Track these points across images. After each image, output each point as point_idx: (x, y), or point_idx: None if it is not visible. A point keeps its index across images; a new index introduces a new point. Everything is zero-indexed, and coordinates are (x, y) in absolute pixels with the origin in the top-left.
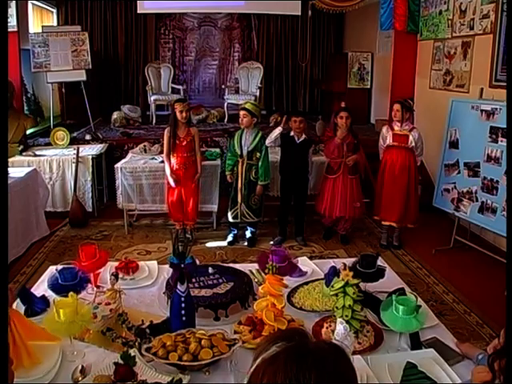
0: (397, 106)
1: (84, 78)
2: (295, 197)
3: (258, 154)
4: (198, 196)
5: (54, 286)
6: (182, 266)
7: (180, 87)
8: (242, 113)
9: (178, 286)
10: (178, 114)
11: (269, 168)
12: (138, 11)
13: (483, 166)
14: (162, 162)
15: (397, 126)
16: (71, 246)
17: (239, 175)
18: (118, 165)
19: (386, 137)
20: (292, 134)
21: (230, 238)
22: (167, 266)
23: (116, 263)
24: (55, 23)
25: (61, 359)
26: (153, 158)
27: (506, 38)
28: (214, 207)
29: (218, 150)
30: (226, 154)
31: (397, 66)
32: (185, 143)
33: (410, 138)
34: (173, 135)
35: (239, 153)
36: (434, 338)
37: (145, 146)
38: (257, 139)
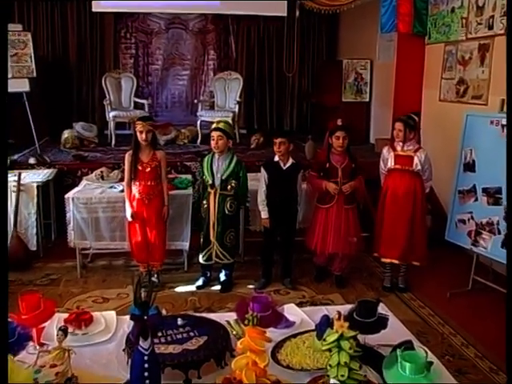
0: (399, 125)
1: (27, 88)
2: (282, 232)
3: (234, 183)
4: (165, 232)
5: None
6: (145, 317)
7: (144, 102)
8: (216, 134)
9: (141, 342)
10: (138, 135)
11: (247, 194)
12: (93, 9)
13: (506, 191)
14: (123, 190)
15: (399, 147)
16: (9, 294)
17: (211, 209)
18: (70, 194)
19: (388, 159)
20: (277, 159)
21: (199, 281)
22: (128, 318)
23: (65, 315)
24: None
25: None
26: (112, 187)
27: (507, 39)
28: (185, 245)
29: (189, 176)
30: (199, 184)
31: (400, 75)
32: (149, 169)
33: (415, 159)
34: (134, 160)
35: (210, 182)
36: None
37: (102, 171)
38: (232, 165)
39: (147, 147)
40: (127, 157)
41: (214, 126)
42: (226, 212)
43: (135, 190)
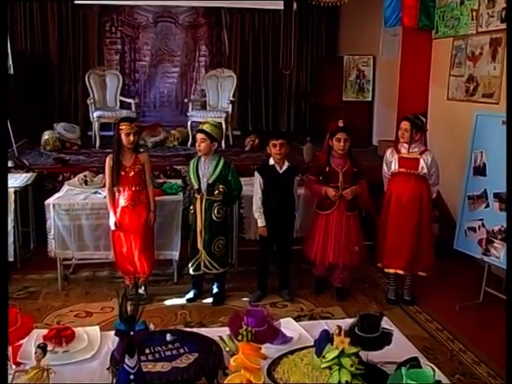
0: (405, 124)
1: None
2: (278, 240)
3: (222, 187)
4: (153, 241)
5: None
6: (132, 333)
7: (131, 101)
8: (199, 136)
9: (126, 360)
10: (123, 138)
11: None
12: (76, 1)
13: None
14: None
15: (404, 149)
16: None
17: (198, 215)
18: (50, 200)
19: (391, 162)
20: (272, 162)
21: (190, 294)
22: (113, 333)
23: (45, 331)
24: None
25: None
26: (96, 192)
27: (507, 38)
28: (175, 254)
29: (179, 181)
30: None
31: (405, 73)
32: (132, 174)
33: (421, 162)
34: (117, 164)
35: (196, 187)
36: None
37: (85, 176)
38: (219, 168)
39: (129, 150)
40: (108, 161)
41: (199, 126)
42: (214, 218)
43: (119, 196)
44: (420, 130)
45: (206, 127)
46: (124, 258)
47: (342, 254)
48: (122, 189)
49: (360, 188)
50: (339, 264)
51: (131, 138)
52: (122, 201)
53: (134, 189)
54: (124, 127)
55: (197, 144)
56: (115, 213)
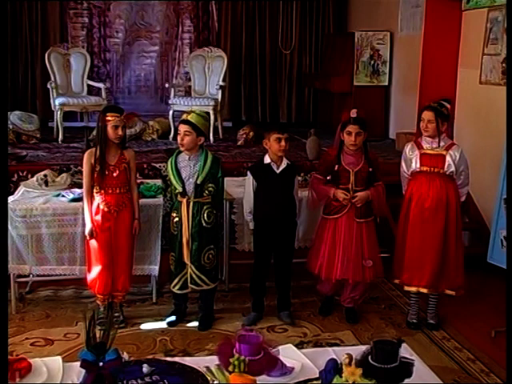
0: (428, 115)
1: None
2: (277, 253)
3: (212, 187)
4: (132, 253)
5: None
6: (101, 364)
7: (101, 85)
8: (183, 129)
9: None
10: (110, 131)
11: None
12: None
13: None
14: (76, 200)
15: (427, 143)
16: None
17: (184, 222)
18: None
19: (411, 159)
20: (268, 160)
21: (172, 316)
22: (78, 365)
23: None
24: None
25: None
26: (59, 195)
27: (507, 35)
28: (154, 269)
29: (159, 181)
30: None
31: (429, 52)
32: (117, 173)
33: (448, 159)
34: (101, 162)
35: (180, 189)
36: None
37: (46, 175)
38: (208, 165)
39: (114, 145)
40: (87, 157)
41: (183, 116)
42: (204, 224)
43: (100, 199)
44: (446, 119)
45: (191, 118)
46: (102, 276)
47: (351, 269)
48: (103, 191)
49: (374, 192)
50: (348, 281)
51: (119, 131)
52: (104, 205)
53: (118, 191)
54: (112, 118)
55: (179, 137)
56: (93, 220)
